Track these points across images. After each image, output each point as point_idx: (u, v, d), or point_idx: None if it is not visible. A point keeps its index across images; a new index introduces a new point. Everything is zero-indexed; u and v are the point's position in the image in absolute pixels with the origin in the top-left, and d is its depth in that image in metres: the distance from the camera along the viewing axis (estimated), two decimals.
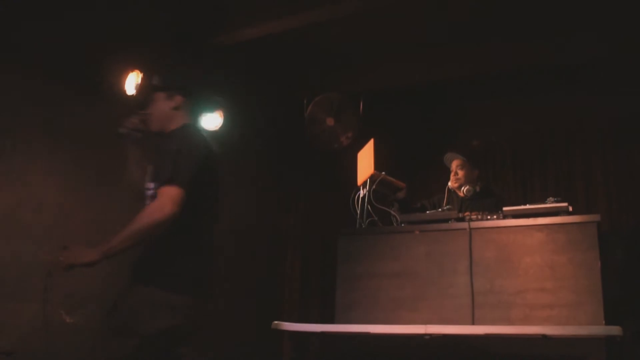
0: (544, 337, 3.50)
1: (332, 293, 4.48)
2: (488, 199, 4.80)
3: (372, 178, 4.55)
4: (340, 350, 4.58)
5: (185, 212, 2.68)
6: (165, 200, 2.61)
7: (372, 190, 4.53)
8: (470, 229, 4.11)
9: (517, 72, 5.57)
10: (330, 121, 5.50)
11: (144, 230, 2.60)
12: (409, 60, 5.71)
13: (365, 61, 5.77)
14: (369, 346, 4.23)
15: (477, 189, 4.89)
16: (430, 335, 3.66)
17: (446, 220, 4.25)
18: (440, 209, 4.48)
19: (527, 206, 4.08)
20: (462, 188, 4.88)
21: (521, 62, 5.42)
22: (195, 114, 3.11)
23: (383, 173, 4.56)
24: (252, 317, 5.62)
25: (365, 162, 4.68)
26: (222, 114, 5.39)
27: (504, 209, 4.11)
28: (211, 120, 5.37)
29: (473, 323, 3.89)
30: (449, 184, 5.00)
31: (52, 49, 4.34)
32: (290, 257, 6.40)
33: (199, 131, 3.02)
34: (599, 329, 3.47)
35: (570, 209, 3.96)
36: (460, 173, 4.98)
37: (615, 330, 3.32)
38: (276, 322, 4.12)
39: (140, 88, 2.94)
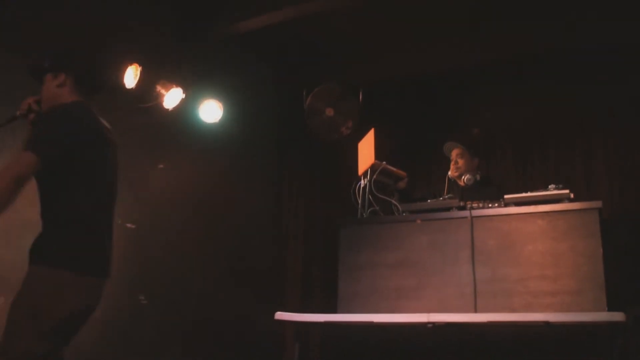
0: (547, 324, 3.51)
1: (334, 283, 4.48)
2: (489, 188, 4.79)
3: (372, 168, 4.54)
4: (342, 340, 4.60)
5: (77, 195, 2.77)
6: (13, 164, 2.64)
7: (373, 180, 4.53)
8: (472, 217, 4.10)
9: (518, 61, 5.55)
10: (329, 111, 5.48)
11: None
12: (409, 51, 5.68)
13: (365, 52, 5.74)
14: (371, 336, 4.26)
15: (478, 177, 4.88)
16: (433, 323, 3.67)
17: (448, 209, 4.24)
18: (441, 198, 4.47)
19: (529, 194, 4.07)
20: (463, 177, 4.88)
21: (522, 51, 5.41)
22: (89, 92, 3.06)
23: (384, 163, 4.56)
24: (254, 308, 5.62)
25: (366, 152, 4.68)
26: (221, 106, 5.39)
27: (505, 196, 4.11)
28: (211, 112, 5.37)
29: (475, 311, 3.89)
30: (449, 173, 5.00)
31: (51, 42, 4.31)
32: (291, 248, 6.40)
33: (84, 108, 2.95)
34: (602, 315, 3.48)
35: (572, 195, 3.95)
36: (460, 162, 4.98)
37: (618, 316, 3.33)
38: (279, 312, 4.12)
39: (33, 71, 2.98)
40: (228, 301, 5.46)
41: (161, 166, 5.13)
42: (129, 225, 4.78)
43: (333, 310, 4.36)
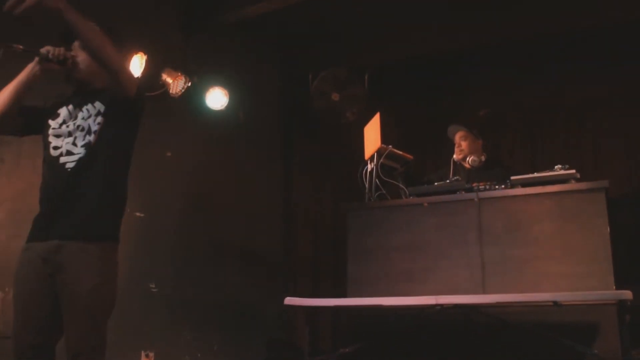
0: (555, 304, 3.52)
1: (344, 268, 4.51)
2: (495, 169, 4.79)
3: (379, 152, 4.55)
4: (353, 323, 4.62)
5: (126, 174, 2.87)
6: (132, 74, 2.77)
7: (379, 163, 4.54)
8: (479, 199, 4.12)
9: (526, 41, 5.52)
10: (335, 96, 5.50)
11: (105, 53, 2.62)
12: (415, 32, 5.65)
13: (370, 34, 5.70)
14: (381, 318, 4.27)
15: (483, 158, 4.89)
16: (441, 305, 3.69)
17: (454, 191, 4.25)
18: (447, 180, 4.47)
19: (535, 174, 4.06)
20: (467, 159, 4.88)
21: (528, 31, 5.38)
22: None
23: (390, 146, 4.57)
24: (264, 294, 5.66)
25: (372, 136, 4.69)
26: (227, 93, 5.40)
27: (512, 178, 4.11)
28: (217, 100, 5.38)
29: (484, 292, 3.92)
30: (454, 156, 4.99)
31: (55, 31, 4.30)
32: (300, 233, 6.42)
33: None
34: (610, 294, 3.50)
35: (579, 175, 3.95)
36: (464, 144, 4.97)
37: (626, 294, 3.34)
38: (289, 297, 4.14)
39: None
40: (238, 288, 5.50)
41: (169, 154, 5.15)
42: (138, 214, 4.81)
43: (343, 294, 4.40)
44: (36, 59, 2.77)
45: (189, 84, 5.05)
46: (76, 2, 4.28)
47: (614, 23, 5.16)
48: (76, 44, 2.83)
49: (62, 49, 2.77)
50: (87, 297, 2.58)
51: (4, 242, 4.01)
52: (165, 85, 5.00)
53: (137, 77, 2.73)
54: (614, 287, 3.59)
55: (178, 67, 5.05)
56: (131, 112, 2.87)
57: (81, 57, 2.82)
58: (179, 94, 5.03)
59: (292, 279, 6.12)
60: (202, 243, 5.32)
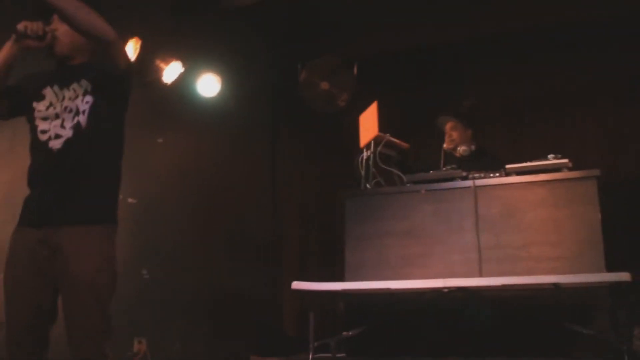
0: (556, 286, 3.67)
1: (331, 254, 4.58)
2: (484, 158, 4.91)
3: (376, 140, 4.63)
4: (348, 308, 4.67)
5: (117, 146, 2.76)
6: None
7: (377, 151, 4.62)
8: (475, 186, 4.25)
9: (513, 33, 5.66)
10: (325, 85, 5.55)
11: (95, 25, 2.48)
12: (406, 24, 5.73)
13: (360, 25, 5.76)
14: (376, 304, 4.36)
15: (473, 147, 5.02)
16: (449, 288, 3.80)
17: (451, 179, 4.37)
18: (443, 169, 4.58)
19: (529, 163, 4.21)
20: (458, 148, 5.00)
21: (518, 23, 5.51)
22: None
23: (387, 134, 4.65)
24: (254, 280, 5.68)
25: (369, 124, 4.76)
26: (219, 79, 5.40)
27: (507, 166, 4.25)
28: (209, 86, 5.38)
29: (481, 277, 4.05)
30: (444, 145, 5.10)
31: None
32: (288, 220, 6.47)
33: None
34: (609, 276, 3.66)
35: (571, 165, 4.12)
36: (454, 134, 5.08)
37: (624, 276, 3.51)
38: (296, 282, 4.19)
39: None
40: (228, 273, 5.52)
41: (160, 140, 5.14)
42: (130, 200, 4.79)
43: (333, 280, 4.47)
44: (13, 36, 2.61)
45: (183, 70, 5.04)
46: None
47: (599, 15, 5.33)
48: (56, 16, 2.68)
49: (40, 23, 2.63)
50: (91, 278, 2.47)
51: None
52: (158, 71, 4.98)
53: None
54: (605, 270, 3.77)
55: (172, 52, 5.02)
56: (121, 88, 2.74)
57: (61, 30, 2.68)
58: (173, 79, 5.01)
59: (279, 265, 6.15)
60: (193, 229, 5.33)
